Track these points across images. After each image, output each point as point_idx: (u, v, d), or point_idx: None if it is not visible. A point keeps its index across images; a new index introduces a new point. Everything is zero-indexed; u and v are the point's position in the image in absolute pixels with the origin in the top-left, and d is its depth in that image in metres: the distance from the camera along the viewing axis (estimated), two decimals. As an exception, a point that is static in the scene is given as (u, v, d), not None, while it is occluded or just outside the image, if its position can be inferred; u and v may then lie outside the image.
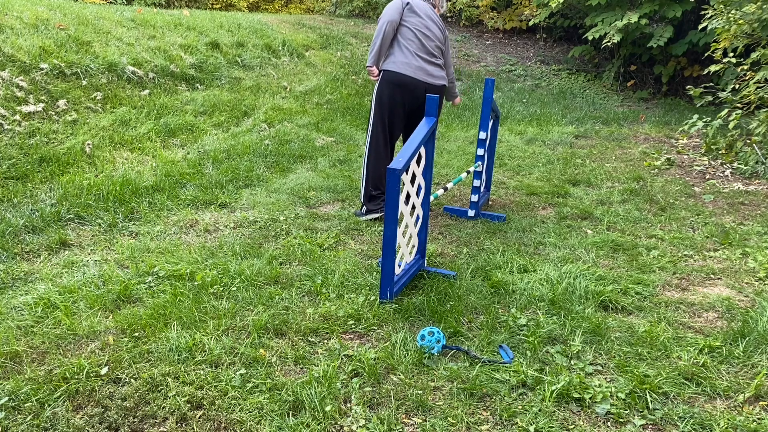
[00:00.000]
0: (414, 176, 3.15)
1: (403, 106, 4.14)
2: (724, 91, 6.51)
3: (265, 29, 9.91)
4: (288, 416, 2.11)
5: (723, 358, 2.55)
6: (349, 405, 2.20)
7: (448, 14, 14.48)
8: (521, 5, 13.15)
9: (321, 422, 2.09)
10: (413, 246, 3.27)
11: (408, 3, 4.17)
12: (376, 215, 4.16)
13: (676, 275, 3.43)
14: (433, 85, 4.11)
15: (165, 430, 2.05)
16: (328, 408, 2.15)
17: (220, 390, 2.23)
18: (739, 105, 6.22)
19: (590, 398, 2.25)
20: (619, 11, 10.00)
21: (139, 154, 5.17)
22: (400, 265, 3.05)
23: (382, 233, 2.96)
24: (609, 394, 2.28)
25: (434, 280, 3.20)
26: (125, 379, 2.28)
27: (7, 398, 2.14)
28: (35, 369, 2.31)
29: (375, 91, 4.20)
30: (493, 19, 13.73)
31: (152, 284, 3.06)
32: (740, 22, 6.04)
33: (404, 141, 4.42)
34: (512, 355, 2.50)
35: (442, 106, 4.45)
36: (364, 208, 4.25)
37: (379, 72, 4.16)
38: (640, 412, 2.20)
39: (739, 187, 5.37)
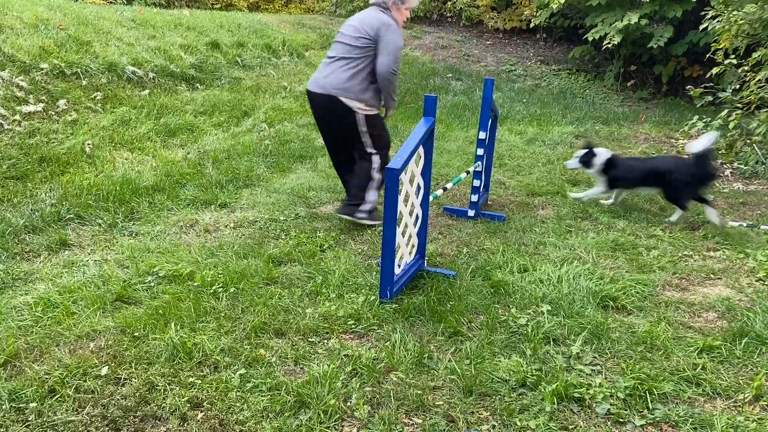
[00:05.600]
0: (413, 176, 3.15)
1: (318, 122, 4.14)
2: (725, 91, 6.51)
3: (265, 29, 9.91)
4: (288, 416, 2.11)
5: (723, 358, 2.55)
6: (349, 404, 2.20)
7: (447, 14, 14.46)
8: (521, 5, 13.15)
9: (321, 422, 2.09)
10: (413, 246, 3.27)
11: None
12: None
13: (676, 275, 3.43)
14: (324, 93, 3.84)
15: (165, 429, 2.05)
16: (328, 408, 2.15)
17: (220, 390, 2.23)
18: (739, 105, 6.22)
19: (590, 398, 2.25)
20: (620, 11, 10.00)
21: (139, 154, 5.17)
22: (399, 265, 3.05)
23: (381, 233, 2.96)
24: (609, 394, 2.28)
25: (434, 280, 3.20)
26: (125, 379, 2.28)
27: (8, 398, 2.14)
28: (36, 369, 2.31)
29: None
30: (493, 19, 13.73)
31: (152, 284, 3.06)
32: (741, 22, 6.04)
33: (339, 155, 4.20)
34: None
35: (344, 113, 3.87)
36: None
37: None
38: (640, 412, 2.20)
39: (739, 187, 5.36)
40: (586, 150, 4.62)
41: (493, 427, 2.11)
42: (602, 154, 4.56)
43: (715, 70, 6.38)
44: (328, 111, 3.92)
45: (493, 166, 5.24)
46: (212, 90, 7.18)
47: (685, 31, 10.11)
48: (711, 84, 6.65)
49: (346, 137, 4.00)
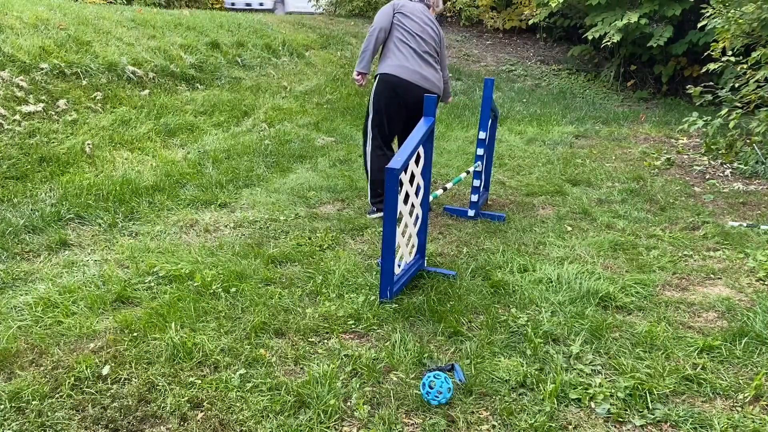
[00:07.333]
0: (413, 176, 3.15)
1: (399, 108, 4.15)
2: (723, 89, 6.51)
3: (265, 29, 9.91)
4: (288, 416, 2.11)
5: (723, 358, 2.55)
6: (349, 404, 2.20)
7: (447, 14, 14.48)
8: (521, 5, 13.15)
9: (321, 421, 2.09)
10: (413, 246, 3.27)
11: (401, 6, 4.16)
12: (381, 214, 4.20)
13: (676, 275, 3.43)
14: (429, 90, 4.09)
15: (165, 429, 2.05)
16: (328, 408, 2.15)
17: (220, 390, 2.24)
18: (738, 104, 6.22)
19: (590, 398, 2.25)
20: (619, 11, 10.00)
21: (139, 154, 5.17)
22: (399, 265, 3.05)
23: (381, 233, 2.96)
24: (609, 394, 2.28)
25: (434, 280, 3.20)
26: (126, 379, 2.28)
27: (8, 397, 2.14)
28: (35, 369, 2.31)
29: (372, 93, 4.21)
30: (493, 18, 13.74)
31: (152, 284, 3.06)
32: (740, 21, 6.04)
33: (400, 143, 4.41)
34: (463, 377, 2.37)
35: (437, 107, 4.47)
36: (374, 207, 4.31)
37: (375, 76, 4.19)
38: (640, 412, 2.20)
39: (739, 187, 5.37)
40: None
41: (493, 427, 2.11)
42: None
43: (712, 66, 6.37)
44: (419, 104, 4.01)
45: (493, 166, 5.25)
46: (212, 90, 7.18)
47: (684, 30, 10.11)
48: (711, 83, 6.65)
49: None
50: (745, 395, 2.29)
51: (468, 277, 3.28)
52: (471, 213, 4.35)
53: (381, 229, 3.35)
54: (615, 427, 2.13)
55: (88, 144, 4.93)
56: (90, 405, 2.13)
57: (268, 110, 7.21)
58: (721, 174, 5.84)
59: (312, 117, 7.42)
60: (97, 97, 5.70)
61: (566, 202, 4.83)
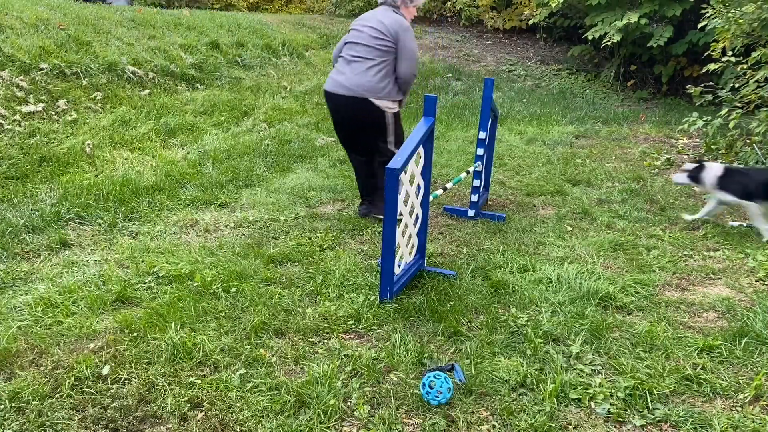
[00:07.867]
0: (413, 176, 3.15)
1: (336, 120, 4.13)
2: (723, 89, 6.50)
3: (265, 29, 9.91)
4: (288, 416, 2.11)
5: (723, 358, 2.55)
6: (349, 404, 2.20)
7: (447, 14, 14.46)
8: (521, 5, 13.15)
9: (321, 421, 2.09)
10: (413, 246, 3.27)
11: (355, 22, 4.05)
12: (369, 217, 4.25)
13: (676, 275, 3.43)
14: (344, 95, 3.85)
15: (166, 429, 2.05)
16: (328, 408, 2.15)
17: (220, 390, 2.23)
18: (738, 104, 6.21)
19: (590, 398, 2.25)
20: (619, 11, 10.00)
21: (139, 154, 5.17)
22: (399, 265, 3.05)
23: (381, 233, 2.96)
24: (609, 394, 2.28)
25: (434, 280, 3.20)
26: (126, 379, 2.28)
27: (8, 397, 2.14)
28: (35, 369, 2.31)
29: None
30: (493, 18, 13.73)
31: (152, 284, 3.06)
32: (740, 21, 6.03)
33: (356, 152, 4.21)
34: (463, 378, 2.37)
35: (364, 112, 3.89)
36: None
37: None
38: (640, 412, 2.20)
39: (739, 187, 5.36)
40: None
41: (493, 427, 2.11)
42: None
43: (712, 66, 6.36)
44: (353, 112, 3.90)
45: (493, 166, 5.25)
46: (212, 90, 7.18)
47: (684, 30, 10.11)
48: (711, 83, 6.64)
49: (368, 138, 4.00)
50: (745, 395, 2.29)
51: (468, 277, 3.28)
52: (471, 213, 4.35)
53: (381, 229, 3.36)
54: (615, 427, 2.13)
55: (88, 144, 4.93)
56: (90, 405, 2.13)
57: (268, 110, 7.21)
58: (721, 174, 5.82)
59: (312, 117, 7.41)
60: (97, 97, 5.70)
61: (566, 202, 4.83)
